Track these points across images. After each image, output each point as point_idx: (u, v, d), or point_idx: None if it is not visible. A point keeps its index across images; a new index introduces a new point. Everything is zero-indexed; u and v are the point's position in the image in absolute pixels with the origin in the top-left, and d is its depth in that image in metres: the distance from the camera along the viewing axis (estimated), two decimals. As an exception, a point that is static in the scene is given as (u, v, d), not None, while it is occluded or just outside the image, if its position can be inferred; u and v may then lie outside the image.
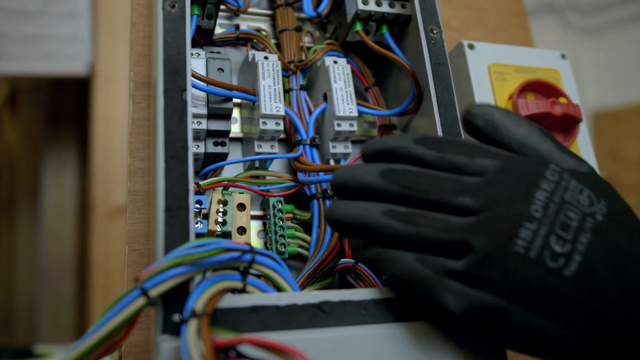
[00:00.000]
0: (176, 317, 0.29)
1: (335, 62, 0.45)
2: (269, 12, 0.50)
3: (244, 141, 0.46)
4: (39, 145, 1.76)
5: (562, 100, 0.47)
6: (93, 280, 1.38)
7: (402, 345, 0.32)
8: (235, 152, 0.46)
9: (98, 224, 1.38)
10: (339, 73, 0.45)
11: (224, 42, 0.47)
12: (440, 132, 0.39)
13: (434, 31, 0.42)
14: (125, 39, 1.38)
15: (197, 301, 0.28)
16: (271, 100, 0.42)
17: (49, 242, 1.75)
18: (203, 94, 0.40)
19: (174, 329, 0.29)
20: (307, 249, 0.42)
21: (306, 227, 0.43)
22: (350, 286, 0.41)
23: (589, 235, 0.29)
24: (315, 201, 0.43)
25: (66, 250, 1.76)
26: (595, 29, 2.98)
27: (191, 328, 0.27)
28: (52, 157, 1.77)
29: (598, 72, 2.88)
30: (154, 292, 0.28)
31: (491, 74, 0.47)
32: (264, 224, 0.43)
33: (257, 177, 0.44)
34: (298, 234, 0.42)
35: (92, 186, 1.41)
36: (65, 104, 1.77)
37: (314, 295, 0.32)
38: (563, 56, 0.51)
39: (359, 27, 0.45)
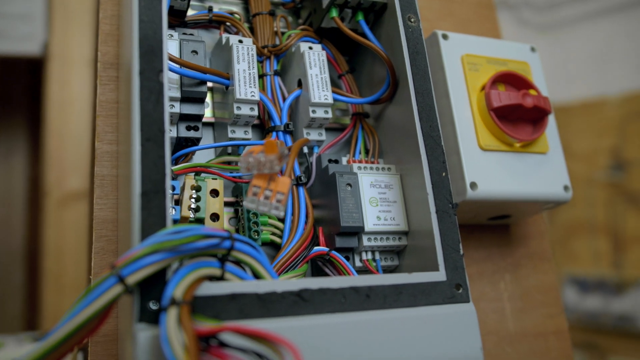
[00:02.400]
0: (153, 305, 0.28)
1: (310, 47, 0.45)
2: (241, -5, 0.49)
3: (216, 126, 0.45)
4: (-14, 128, 1.69)
5: (532, 92, 0.47)
6: (45, 268, 1.33)
7: (381, 332, 0.32)
8: (206, 137, 0.44)
9: (51, 211, 1.33)
10: (315, 59, 0.44)
11: (196, 24, 0.45)
12: (417, 121, 0.39)
13: (412, 20, 0.42)
14: (82, 18, 1.34)
15: (176, 288, 0.27)
16: (246, 84, 0.41)
17: (-3, 230, 1.68)
18: (177, 77, 0.39)
19: (151, 317, 0.28)
20: (280, 237, 0.42)
21: (279, 214, 0.43)
22: (324, 274, 0.41)
23: None
24: (289, 188, 0.42)
25: (15, 238, 1.70)
26: (549, 25, 3.07)
27: (171, 316, 0.26)
28: (0, 141, 1.70)
29: (551, 68, 2.96)
30: (131, 280, 0.27)
31: (464, 64, 0.47)
32: (236, 211, 0.43)
33: (229, 163, 0.43)
34: (271, 221, 0.42)
35: (44, 171, 1.36)
36: (15, 86, 1.70)
37: (293, 283, 0.32)
38: (533, 49, 0.52)
39: (334, 13, 0.44)
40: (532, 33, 2.97)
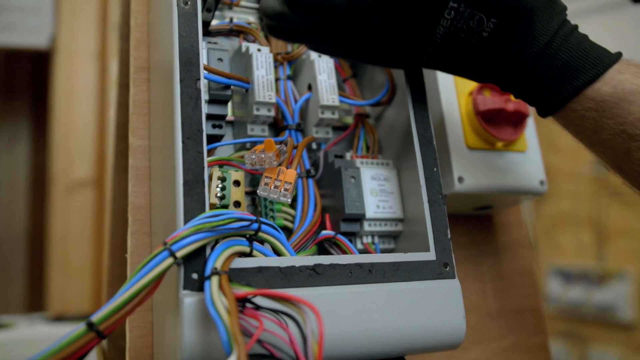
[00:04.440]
0: (195, 276, 0.34)
1: (319, 56, 0.51)
2: (257, 5, 0.54)
3: (235, 124, 0.50)
4: (-8, 117, 1.73)
5: (513, 98, 0.54)
6: (51, 253, 1.38)
7: (381, 301, 0.38)
8: (227, 134, 0.50)
9: (57, 198, 1.38)
10: (323, 66, 0.50)
11: (219, 32, 0.51)
12: (412, 121, 0.45)
13: (409, 34, 0.47)
14: (88, 12, 1.38)
15: (217, 261, 0.33)
16: (264, 88, 0.47)
17: (1, 217, 1.73)
18: (205, 81, 0.45)
19: (193, 286, 0.34)
20: (292, 222, 0.48)
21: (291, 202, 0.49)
22: (330, 255, 0.47)
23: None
24: (300, 179, 0.48)
25: (18, 224, 1.74)
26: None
27: (214, 283, 0.32)
28: (5, 130, 1.74)
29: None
30: (180, 254, 0.33)
31: (454, 72, 0.53)
32: (253, 199, 0.49)
33: (247, 157, 0.49)
34: (284, 208, 0.48)
35: (51, 160, 1.40)
36: (19, 77, 1.74)
37: (308, 259, 0.38)
38: (515, 58, 0.58)
39: (341, 25, 0.50)
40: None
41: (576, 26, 0.41)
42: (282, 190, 0.40)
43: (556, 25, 0.39)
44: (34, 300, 1.72)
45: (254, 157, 0.40)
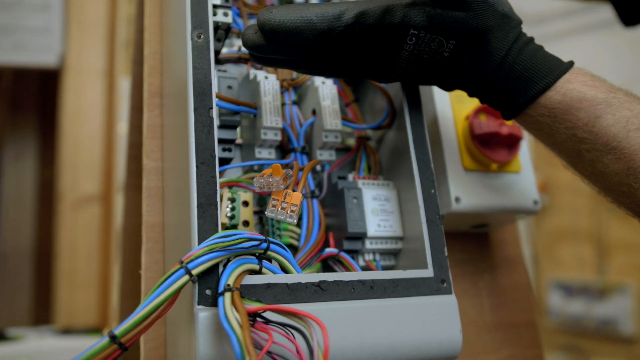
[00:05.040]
0: (208, 292, 0.37)
1: (323, 82, 0.53)
2: (263, 34, 0.57)
3: (244, 147, 0.53)
4: None
5: (508, 122, 0.56)
6: (58, 268, 1.40)
7: (381, 316, 0.41)
8: (236, 156, 0.53)
9: (65, 213, 1.40)
10: (327, 92, 0.53)
11: (227, 60, 0.54)
12: (411, 146, 0.48)
13: (408, 63, 0.50)
14: (96, 32, 1.42)
15: (229, 278, 0.36)
16: (271, 114, 0.50)
17: (7, 230, 1.75)
18: (216, 108, 0.48)
19: (207, 301, 0.36)
20: (298, 240, 0.50)
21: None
22: (333, 272, 0.49)
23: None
24: (305, 200, 0.51)
25: (24, 239, 1.77)
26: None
27: (227, 299, 0.35)
28: (12, 145, 1.76)
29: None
30: (195, 271, 0.36)
31: (452, 97, 0.56)
32: (260, 218, 0.51)
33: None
34: (290, 227, 0.51)
35: (59, 176, 1.43)
36: (26, 94, 1.77)
37: (314, 277, 0.40)
38: (510, 83, 0.61)
39: (343, 53, 0.53)
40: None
41: (531, 38, 0.45)
42: (288, 212, 0.43)
43: (511, 40, 0.44)
44: (40, 313, 1.74)
45: (262, 180, 0.43)
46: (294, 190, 0.43)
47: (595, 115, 0.42)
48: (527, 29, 0.46)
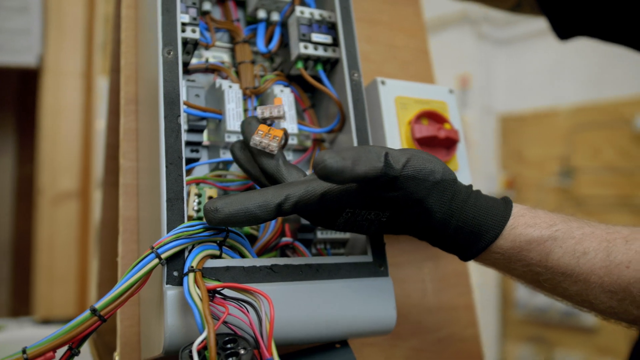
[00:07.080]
0: (175, 273, 0.43)
1: (281, 90, 0.60)
2: (229, 45, 0.64)
3: (210, 148, 0.60)
4: (-20, 131, 1.79)
5: (446, 126, 0.64)
6: (37, 262, 1.45)
7: (326, 295, 0.48)
8: (202, 156, 0.59)
9: (43, 208, 1.45)
10: (285, 99, 0.59)
11: (196, 70, 0.60)
12: (357, 149, 0.55)
13: (355, 75, 0.57)
14: (75, 34, 1.46)
15: (193, 261, 0.42)
16: (234, 119, 0.56)
17: (-14, 225, 1.78)
18: (184, 114, 0.54)
19: (174, 281, 0.43)
20: (257, 230, 0.57)
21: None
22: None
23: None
24: (264, 195, 0.58)
25: (3, 234, 1.80)
26: (507, 40, 3.28)
27: (190, 279, 0.41)
28: (-10, 142, 1.79)
29: (507, 79, 3.17)
30: (164, 255, 0.42)
31: (397, 104, 0.63)
32: (225, 212, 0.58)
33: (220, 176, 0.58)
34: (251, 219, 0.57)
35: (38, 172, 1.47)
36: (6, 94, 1.80)
37: (266, 260, 0.47)
38: (450, 91, 0.68)
39: (300, 65, 0.60)
40: (491, 47, 3.18)
41: (468, 187, 0.48)
42: (272, 139, 0.49)
43: (448, 199, 0.46)
44: (19, 306, 1.78)
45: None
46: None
47: (545, 252, 0.46)
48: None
